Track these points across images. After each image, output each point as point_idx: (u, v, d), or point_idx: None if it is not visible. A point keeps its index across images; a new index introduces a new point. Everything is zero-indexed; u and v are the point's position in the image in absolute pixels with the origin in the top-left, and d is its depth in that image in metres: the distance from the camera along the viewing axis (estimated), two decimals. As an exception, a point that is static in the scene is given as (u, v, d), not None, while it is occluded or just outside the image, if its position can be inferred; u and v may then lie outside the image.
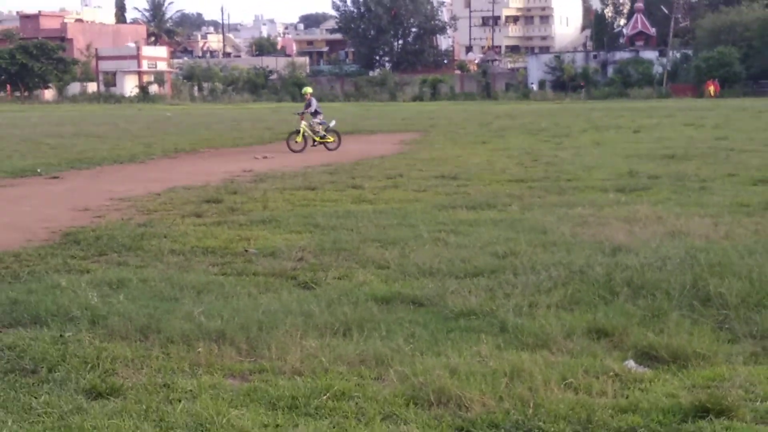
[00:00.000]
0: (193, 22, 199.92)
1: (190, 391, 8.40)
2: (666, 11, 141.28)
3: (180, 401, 8.12)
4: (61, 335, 10.09)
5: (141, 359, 9.30)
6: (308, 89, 39.55)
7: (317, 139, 35.72)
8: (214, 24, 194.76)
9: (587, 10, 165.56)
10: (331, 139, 36.34)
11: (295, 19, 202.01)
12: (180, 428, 7.54)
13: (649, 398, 8.05)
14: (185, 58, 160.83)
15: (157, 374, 8.88)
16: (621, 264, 12.90)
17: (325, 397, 8.14)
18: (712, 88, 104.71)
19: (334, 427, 7.55)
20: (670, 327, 10.04)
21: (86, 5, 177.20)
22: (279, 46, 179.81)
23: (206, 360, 9.25)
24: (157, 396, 8.28)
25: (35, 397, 8.26)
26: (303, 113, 36.31)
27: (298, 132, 35.43)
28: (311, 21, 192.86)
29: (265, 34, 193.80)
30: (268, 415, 7.85)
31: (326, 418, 7.77)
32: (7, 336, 10.18)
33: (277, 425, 7.61)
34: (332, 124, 37.08)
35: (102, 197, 23.20)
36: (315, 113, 35.75)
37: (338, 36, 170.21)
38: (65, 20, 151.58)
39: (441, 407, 7.93)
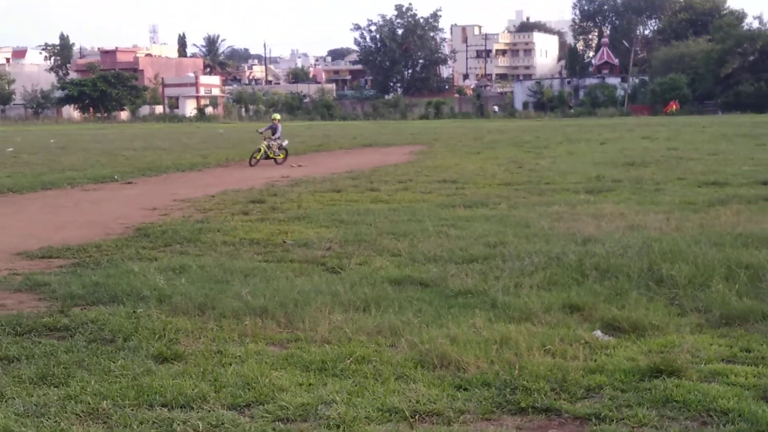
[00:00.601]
0: (241, 56, 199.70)
1: (239, 356, 8.45)
2: (627, 45, 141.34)
3: (231, 365, 8.17)
4: (134, 311, 10.17)
5: (199, 330, 9.35)
6: (277, 116, 37.80)
7: (271, 155, 34.64)
8: (258, 57, 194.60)
9: (563, 44, 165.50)
10: (281, 156, 35.41)
11: (324, 53, 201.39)
12: (231, 387, 7.56)
13: (613, 361, 8.08)
14: (234, 85, 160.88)
15: (212, 343, 8.93)
16: (590, 252, 12.89)
17: (348, 361, 8.18)
18: (674, 107, 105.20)
19: (356, 386, 7.57)
20: (630, 303, 10.07)
21: (154, 42, 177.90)
22: (311, 75, 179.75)
23: (252, 331, 9.29)
24: (212, 360, 8.32)
25: (113, 362, 8.31)
26: (265, 134, 35.56)
27: (259, 150, 34.41)
28: (337, 54, 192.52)
29: (299, 65, 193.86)
30: (303, 376, 7.88)
31: (350, 378, 7.80)
32: (91, 312, 10.24)
33: (310, 384, 7.64)
34: (285, 143, 36.17)
35: (167, 199, 23.27)
36: (275, 137, 34.79)
37: (359, 66, 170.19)
38: (137, 54, 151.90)
39: (443, 369, 7.96)
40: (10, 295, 11.55)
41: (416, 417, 6.92)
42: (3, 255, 14.74)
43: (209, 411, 7.06)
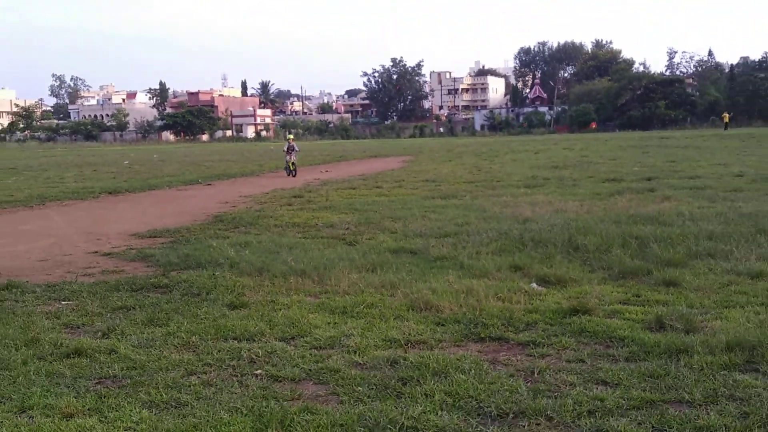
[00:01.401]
0: (284, 95, 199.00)
1: (286, 304, 8.46)
2: (552, 84, 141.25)
3: (280, 310, 8.19)
4: (213, 274, 10.20)
5: (258, 286, 9.36)
6: (291, 136, 34.31)
7: (291, 167, 31.52)
8: (297, 95, 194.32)
9: (507, 84, 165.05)
10: (295, 171, 31.80)
11: (342, 92, 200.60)
12: (280, 325, 7.58)
13: (544, 305, 8.09)
14: (280, 115, 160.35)
15: (267, 295, 8.95)
16: (528, 228, 12.89)
17: (361, 307, 8.21)
18: (594, 125, 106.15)
19: (367, 324, 7.60)
20: (556, 264, 10.07)
21: (224, 86, 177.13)
22: (334, 108, 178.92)
23: (294, 286, 9.30)
24: (267, 307, 8.34)
25: (199, 309, 8.34)
26: (290, 152, 31.71)
27: (287, 164, 31.67)
28: (352, 93, 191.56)
29: (326, 101, 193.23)
30: (330, 317, 7.91)
31: (362, 318, 7.82)
32: (183, 274, 10.25)
33: (335, 323, 7.67)
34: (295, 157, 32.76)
35: (235, 195, 23.27)
36: (293, 152, 31.58)
37: (367, 101, 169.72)
38: (213, 95, 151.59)
39: (427, 311, 7.97)
40: (128, 263, 11.59)
41: (408, 344, 6.95)
42: (122, 236, 14.79)
43: (266, 342, 7.10)
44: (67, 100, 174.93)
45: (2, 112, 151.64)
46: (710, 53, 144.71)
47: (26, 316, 8.27)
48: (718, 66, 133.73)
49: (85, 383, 6.15)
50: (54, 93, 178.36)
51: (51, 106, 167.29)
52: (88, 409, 5.60)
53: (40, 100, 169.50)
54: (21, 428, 5.28)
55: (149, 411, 5.56)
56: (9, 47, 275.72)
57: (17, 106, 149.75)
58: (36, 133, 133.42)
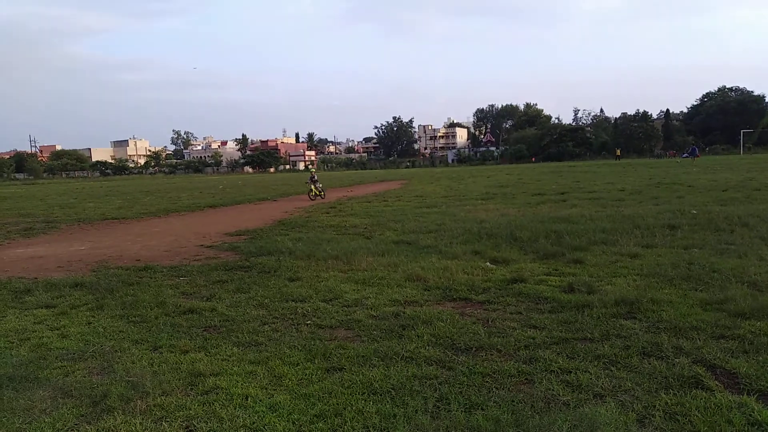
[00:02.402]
0: (323, 141, 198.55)
1: (326, 278, 8.41)
2: (498, 131, 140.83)
3: (322, 282, 8.14)
4: (278, 259, 10.12)
5: (307, 267, 9.30)
6: (312, 169, 29.44)
7: (317, 192, 27.45)
8: (332, 141, 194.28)
9: (469, 132, 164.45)
10: (322, 193, 27.60)
11: (361, 138, 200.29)
12: (322, 292, 7.55)
13: (495, 276, 8.02)
14: (321, 155, 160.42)
15: (313, 272, 8.89)
16: (483, 226, 12.81)
17: (375, 279, 8.15)
18: (534, 160, 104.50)
19: (379, 290, 7.54)
20: (502, 249, 9.99)
21: (284, 136, 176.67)
22: (356, 150, 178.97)
23: (332, 266, 9.25)
24: (313, 280, 8.30)
25: (269, 281, 8.31)
26: (312, 182, 27.55)
27: (311, 191, 27.37)
28: (368, 139, 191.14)
29: (350, 145, 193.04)
30: (355, 286, 7.84)
31: (376, 286, 7.76)
32: (258, 259, 10.21)
33: (358, 290, 7.60)
34: (320, 185, 28.02)
35: (292, 207, 23.23)
36: (315, 182, 27.41)
37: (377, 145, 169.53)
38: (277, 142, 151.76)
39: (418, 282, 7.92)
40: (222, 253, 11.57)
41: (406, 303, 6.92)
42: (219, 234, 14.79)
43: (312, 303, 7.07)
44: (182, 147, 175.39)
45: (140, 155, 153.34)
46: (601, 110, 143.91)
47: (157, 287, 8.30)
48: (606, 118, 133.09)
49: (195, 331, 6.17)
50: (174, 142, 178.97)
51: (172, 151, 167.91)
52: (198, 348, 5.62)
53: (165, 146, 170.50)
54: (154, 360, 5.30)
55: (238, 348, 5.56)
56: (144, 112, 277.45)
57: (149, 150, 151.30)
58: (162, 169, 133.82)
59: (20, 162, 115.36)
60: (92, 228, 18.18)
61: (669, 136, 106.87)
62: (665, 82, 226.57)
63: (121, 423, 4.04)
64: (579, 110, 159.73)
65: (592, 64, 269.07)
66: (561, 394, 4.27)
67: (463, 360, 5.02)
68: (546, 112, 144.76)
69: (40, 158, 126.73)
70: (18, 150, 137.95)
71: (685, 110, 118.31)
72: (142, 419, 4.10)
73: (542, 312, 6.33)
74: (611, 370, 4.67)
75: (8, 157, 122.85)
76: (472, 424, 3.80)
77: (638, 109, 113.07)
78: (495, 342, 5.40)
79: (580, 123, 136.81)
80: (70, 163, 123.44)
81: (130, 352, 5.52)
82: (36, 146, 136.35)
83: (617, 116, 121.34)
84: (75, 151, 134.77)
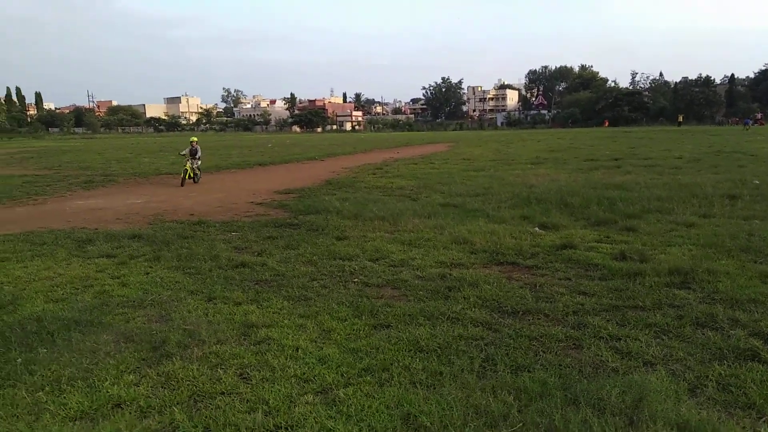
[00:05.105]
0: (371, 102, 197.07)
1: (372, 237, 8.50)
2: (551, 94, 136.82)
3: (369, 241, 8.23)
4: (326, 217, 10.28)
5: (354, 226, 9.42)
6: (194, 138, 19.36)
7: (192, 174, 18.16)
8: (380, 102, 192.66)
9: (520, 95, 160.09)
10: (198, 176, 18.41)
11: (408, 99, 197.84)
12: (369, 251, 7.63)
13: (544, 241, 7.95)
14: (368, 115, 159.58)
15: (360, 232, 9.00)
16: (533, 191, 12.64)
17: (421, 240, 8.19)
18: (607, 123, 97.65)
19: (425, 252, 7.58)
20: (552, 215, 9.86)
21: (331, 96, 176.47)
22: (403, 111, 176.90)
23: (378, 227, 9.33)
24: (361, 240, 8.41)
25: (317, 239, 8.46)
26: (188, 157, 18.67)
27: (186, 171, 17.92)
28: (415, 100, 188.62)
29: (397, 106, 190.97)
30: (401, 247, 7.90)
31: (422, 248, 7.81)
32: (307, 217, 10.40)
33: (404, 250, 7.66)
34: (198, 163, 18.59)
35: (339, 167, 23.36)
36: (196, 156, 18.41)
37: (425, 106, 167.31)
38: (324, 102, 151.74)
39: (464, 244, 7.92)
40: (272, 210, 11.82)
41: (452, 265, 6.94)
42: (268, 192, 15.07)
43: (360, 262, 7.16)
44: (232, 105, 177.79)
45: (192, 112, 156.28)
46: (661, 74, 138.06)
47: (210, 241, 8.56)
48: (666, 83, 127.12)
49: (247, 284, 6.36)
50: (224, 100, 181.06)
51: (222, 109, 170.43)
52: (250, 300, 5.80)
53: (216, 104, 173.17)
54: (209, 310, 5.51)
55: (288, 302, 5.72)
56: (197, 70, 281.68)
57: (201, 108, 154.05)
58: (213, 126, 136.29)
59: (79, 116, 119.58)
60: (147, 182, 18.80)
61: (732, 103, 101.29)
62: (731, 45, 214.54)
63: (180, 368, 4.25)
64: (637, 73, 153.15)
65: (652, 25, 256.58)
66: (610, 360, 4.23)
67: (509, 323, 5.01)
68: (602, 74, 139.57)
69: (97, 113, 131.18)
70: (77, 105, 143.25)
71: (752, 75, 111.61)
72: (199, 365, 4.30)
73: (592, 279, 6.22)
74: (663, 339, 4.59)
75: (68, 111, 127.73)
76: (518, 385, 3.83)
77: (701, 74, 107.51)
78: (542, 307, 5.36)
79: (638, 87, 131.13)
80: (126, 118, 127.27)
81: (186, 302, 5.75)
82: (93, 101, 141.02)
83: (677, 81, 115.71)
84: (130, 107, 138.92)
